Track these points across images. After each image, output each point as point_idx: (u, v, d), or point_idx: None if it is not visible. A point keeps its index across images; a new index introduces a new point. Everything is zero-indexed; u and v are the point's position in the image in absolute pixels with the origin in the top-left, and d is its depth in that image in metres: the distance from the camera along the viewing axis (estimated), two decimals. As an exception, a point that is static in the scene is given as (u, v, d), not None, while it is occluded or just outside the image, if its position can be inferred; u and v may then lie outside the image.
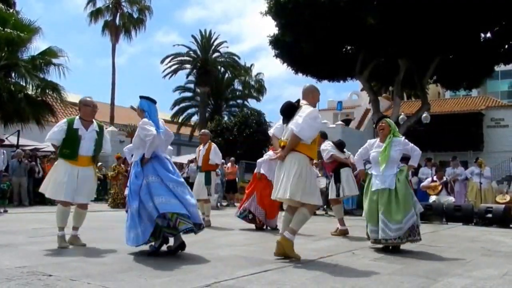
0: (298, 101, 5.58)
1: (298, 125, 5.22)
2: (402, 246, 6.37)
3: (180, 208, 5.24)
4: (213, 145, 9.64)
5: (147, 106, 5.72)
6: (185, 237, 6.30)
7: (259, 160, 9.71)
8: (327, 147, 8.53)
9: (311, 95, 5.64)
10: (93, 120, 6.36)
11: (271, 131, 5.81)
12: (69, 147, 6.08)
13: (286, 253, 5.28)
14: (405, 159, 6.59)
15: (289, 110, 5.51)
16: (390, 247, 6.29)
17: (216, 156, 9.52)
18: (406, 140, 6.53)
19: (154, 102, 5.82)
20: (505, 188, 14.65)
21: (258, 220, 9.13)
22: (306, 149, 5.36)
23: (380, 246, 6.36)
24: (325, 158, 8.58)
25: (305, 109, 5.38)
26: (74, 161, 6.06)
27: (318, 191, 5.74)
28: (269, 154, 9.42)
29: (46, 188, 6.13)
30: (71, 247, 5.92)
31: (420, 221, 11.28)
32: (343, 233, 8.22)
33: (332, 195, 8.64)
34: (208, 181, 9.46)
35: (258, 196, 9.08)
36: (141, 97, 5.83)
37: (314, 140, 5.44)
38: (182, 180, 5.58)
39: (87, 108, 6.30)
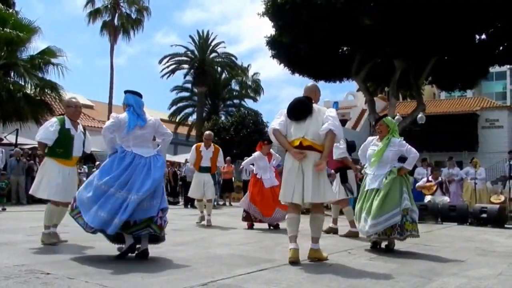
0: (310, 99, 5.38)
1: (337, 127, 5.11)
2: (397, 246, 6.40)
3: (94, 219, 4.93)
4: (219, 148, 10.11)
5: (132, 100, 5.42)
6: (183, 236, 6.34)
7: (245, 166, 10.46)
8: (343, 145, 8.16)
9: (314, 94, 5.52)
10: (78, 121, 6.44)
11: (275, 127, 5.28)
12: (62, 146, 6.09)
13: (317, 258, 5.23)
14: (403, 159, 6.49)
15: (307, 110, 5.24)
16: (379, 246, 6.41)
17: (222, 159, 10.19)
18: (404, 142, 6.39)
19: (139, 95, 5.55)
20: (499, 188, 14.70)
21: (254, 218, 9.13)
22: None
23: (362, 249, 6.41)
24: (337, 156, 8.17)
25: (327, 110, 5.33)
26: (66, 161, 6.12)
27: None
28: (255, 155, 9.46)
29: (38, 190, 6.11)
30: (55, 241, 6.04)
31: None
32: (333, 231, 8.33)
33: (341, 195, 8.20)
34: (215, 182, 10.04)
35: (250, 194, 9.17)
36: (126, 91, 5.57)
37: None
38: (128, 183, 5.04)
39: (69, 109, 6.32)
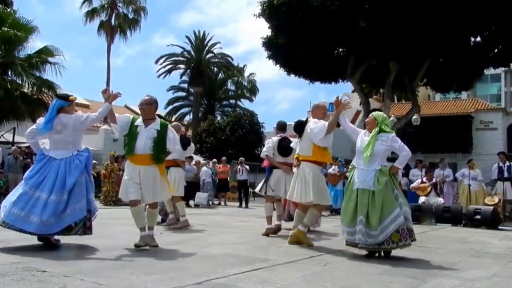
0: (304, 122, 6.80)
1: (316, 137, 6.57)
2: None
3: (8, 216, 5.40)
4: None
5: (53, 104, 5.85)
6: (177, 235, 6.33)
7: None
8: (268, 145, 8.14)
9: (315, 112, 6.90)
10: (156, 118, 6.13)
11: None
12: (128, 143, 6.03)
13: (300, 241, 6.47)
14: (393, 160, 6.09)
15: (300, 131, 6.80)
16: (378, 253, 5.87)
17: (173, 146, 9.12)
18: (397, 138, 5.99)
19: (60, 98, 5.91)
20: (494, 190, 14.73)
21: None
22: (319, 156, 6.54)
23: (356, 249, 5.91)
24: (262, 155, 8.30)
25: (309, 125, 6.68)
26: (134, 158, 5.94)
27: (327, 193, 6.78)
28: None
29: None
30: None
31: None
32: (270, 231, 7.82)
33: (261, 190, 8.24)
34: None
35: None
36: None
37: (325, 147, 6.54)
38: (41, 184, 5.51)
39: (139, 108, 6.19)
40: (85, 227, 5.65)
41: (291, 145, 7.23)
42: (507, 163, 14.20)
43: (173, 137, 6.11)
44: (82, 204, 5.54)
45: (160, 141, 5.95)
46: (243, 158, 19.47)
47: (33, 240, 5.84)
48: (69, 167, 5.57)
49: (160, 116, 6.29)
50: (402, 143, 5.98)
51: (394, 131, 6.15)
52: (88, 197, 5.68)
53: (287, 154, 7.87)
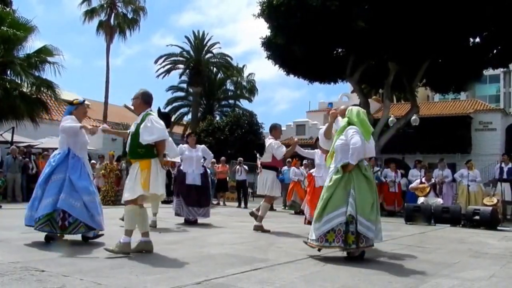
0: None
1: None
2: (390, 247, 6.41)
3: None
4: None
5: None
6: (176, 235, 6.33)
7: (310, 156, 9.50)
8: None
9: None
10: (147, 111, 5.48)
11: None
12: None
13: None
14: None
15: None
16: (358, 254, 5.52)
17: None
18: (352, 130, 5.49)
19: (68, 103, 6.60)
20: (492, 190, 14.74)
21: (305, 219, 9.09)
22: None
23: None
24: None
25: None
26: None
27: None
28: (316, 150, 9.07)
29: None
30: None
31: (408, 223, 11.45)
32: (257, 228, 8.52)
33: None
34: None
35: (308, 195, 8.98)
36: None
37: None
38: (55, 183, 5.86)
39: None
40: (52, 226, 5.67)
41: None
42: (510, 165, 14.25)
43: (144, 127, 5.29)
44: (48, 201, 5.71)
45: (135, 134, 5.37)
46: (241, 158, 19.46)
47: (32, 240, 5.86)
48: (46, 166, 6.10)
49: (163, 113, 6.17)
50: (354, 134, 5.44)
51: (351, 124, 5.61)
52: (61, 196, 5.65)
53: (261, 153, 8.99)
